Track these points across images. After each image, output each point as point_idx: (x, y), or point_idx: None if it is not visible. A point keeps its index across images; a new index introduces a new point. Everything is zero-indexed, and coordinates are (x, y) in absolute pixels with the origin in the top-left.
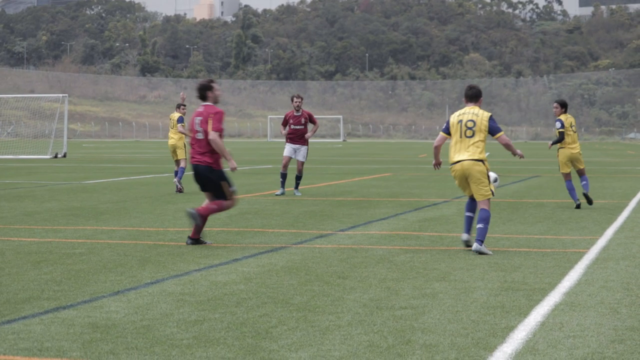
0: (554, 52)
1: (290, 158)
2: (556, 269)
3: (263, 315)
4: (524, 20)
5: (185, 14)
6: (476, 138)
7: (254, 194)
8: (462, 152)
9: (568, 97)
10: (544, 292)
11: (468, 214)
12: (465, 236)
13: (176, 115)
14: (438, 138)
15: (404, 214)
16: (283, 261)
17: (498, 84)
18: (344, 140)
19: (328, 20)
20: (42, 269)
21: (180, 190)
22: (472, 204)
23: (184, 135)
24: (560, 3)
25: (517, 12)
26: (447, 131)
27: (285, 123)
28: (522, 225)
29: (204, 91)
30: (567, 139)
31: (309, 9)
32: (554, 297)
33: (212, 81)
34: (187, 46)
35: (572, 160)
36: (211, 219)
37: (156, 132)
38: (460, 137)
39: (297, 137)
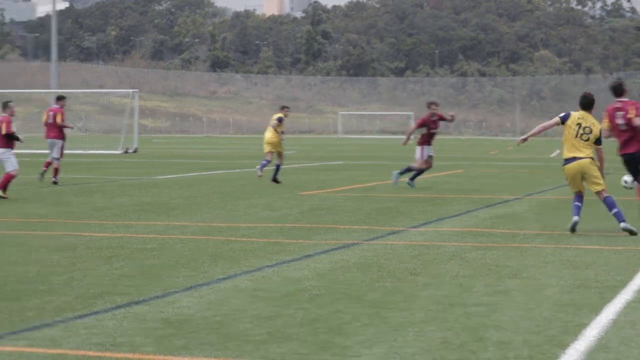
0: (623, 49)
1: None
2: (628, 266)
3: (336, 311)
4: (593, 17)
5: (254, 9)
6: (589, 142)
7: (325, 190)
8: (579, 151)
9: (638, 94)
10: (616, 290)
11: (577, 203)
12: (575, 218)
13: (277, 115)
14: (552, 122)
15: (475, 210)
16: (355, 257)
17: (568, 81)
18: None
19: (398, 17)
20: (113, 264)
21: (260, 176)
22: (579, 198)
23: (280, 132)
24: (628, 0)
25: (586, 9)
26: (565, 120)
27: (421, 125)
28: (594, 222)
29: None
30: None
31: (378, 5)
32: (625, 295)
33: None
34: (257, 42)
35: None
36: (283, 215)
37: (227, 128)
38: (576, 137)
39: (432, 139)
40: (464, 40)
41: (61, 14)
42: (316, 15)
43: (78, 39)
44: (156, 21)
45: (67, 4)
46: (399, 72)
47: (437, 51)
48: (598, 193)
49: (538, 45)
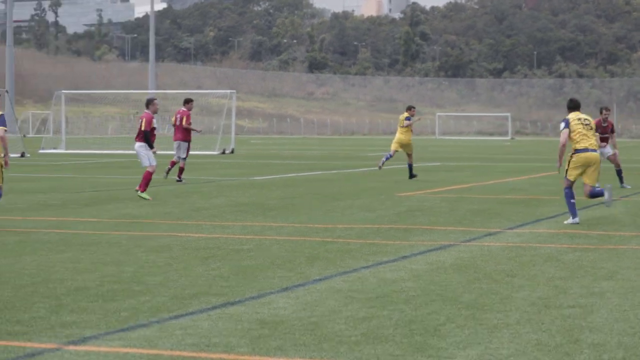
0: None
1: None
2: None
3: (431, 312)
4: None
5: (353, 10)
6: (593, 131)
7: (422, 191)
8: (589, 139)
9: None
10: None
11: (573, 200)
12: (577, 219)
13: (404, 115)
14: (564, 136)
15: None
16: (451, 259)
17: None
18: (511, 138)
19: (496, 18)
20: (209, 264)
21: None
22: (571, 191)
23: (410, 132)
24: None
25: None
26: (568, 125)
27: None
28: None
29: None
30: None
31: (477, 6)
32: None
33: None
34: (355, 43)
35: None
36: (379, 216)
37: (324, 129)
38: (584, 128)
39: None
40: (562, 41)
41: (159, 14)
42: (414, 16)
43: (176, 40)
44: (254, 22)
45: (165, 5)
46: (497, 73)
47: (535, 52)
48: (589, 185)
49: (636, 46)
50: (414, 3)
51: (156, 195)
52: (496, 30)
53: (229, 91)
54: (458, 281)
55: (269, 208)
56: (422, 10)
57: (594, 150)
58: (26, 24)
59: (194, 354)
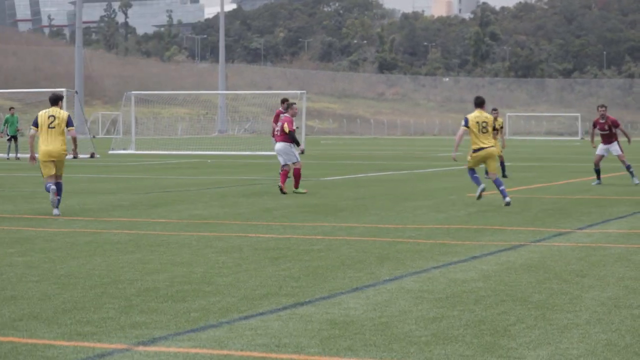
0: None
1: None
2: None
3: (501, 313)
4: None
5: (423, 11)
6: (489, 133)
7: (492, 192)
8: (483, 143)
9: None
10: None
11: (476, 175)
12: (483, 185)
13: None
14: (461, 131)
15: None
16: (522, 259)
17: None
18: (581, 139)
19: (566, 18)
20: (280, 265)
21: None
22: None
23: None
24: None
25: None
26: (467, 124)
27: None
28: None
29: None
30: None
31: (546, 7)
32: None
33: None
34: (425, 43)
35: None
36: (449, 216)
37: (394, 130)
38: (479, 132)
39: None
40: (632, 41)
41: (229, 15)
42: (484, 16)
43: (246, 40)
44: (324, 22)
45: (235, 6)
46: (567, 74)
47: (604, 52)
48: (492, 174)
49: None
50: (484, 3)
51: (226, 196)
52: (566, 30)
53: (299, 92)
54: (528, 281)
55: (339, 209)
56: (492, 10)
57: (489, 147)
58: (95, 25)
59: (264, 355)
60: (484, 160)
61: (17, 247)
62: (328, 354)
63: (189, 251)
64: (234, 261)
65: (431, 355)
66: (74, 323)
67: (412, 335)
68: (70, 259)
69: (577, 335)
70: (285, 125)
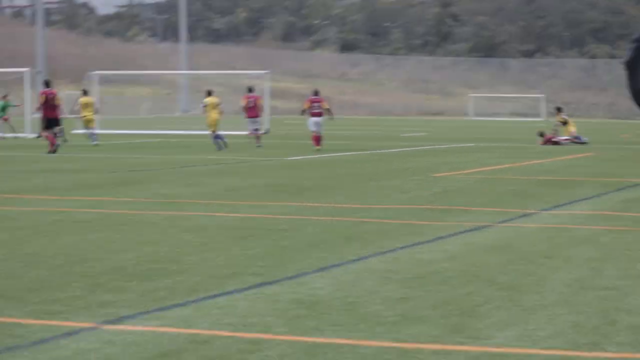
0: None
1: None
2: None
3: (468, 293)
4: None
5: None
6: None
7: (457, 172)
8: None
9: None
10: None
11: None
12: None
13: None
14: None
15: (607, 194)
16: (488, 240)
17: None
18: (545, 120)
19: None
20: (246, 244)
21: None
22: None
23: None
24: None
25: None
26: None
27: None
28: None
29: None
30: None
31: None
32: None
33: None
34: (386, 24)
35: None
36: (414, 196)
37: (358, 110)
38: None
39: None
40: (594, 23)
41: None
42: None
43: (207, 21)
44: (286, 3)
45: None
46: (529, 55)
47: (567, 34)
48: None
49: None
50: None
51: (191, 175)
52: (527, 11)
53: (263, 72)
54: (494, 262)
55: (305, 188)
56: None
57: None
58: (57, 5)
59: (231, 334)
60: None
61: None
62: (295, 333)
63: (155, 230)
64: (200, 240)
65: (399, 335)
66: (41, 302)
67: (379, 315)
68: (37, 237)
69: (544, 316)
70: (324, 103)
